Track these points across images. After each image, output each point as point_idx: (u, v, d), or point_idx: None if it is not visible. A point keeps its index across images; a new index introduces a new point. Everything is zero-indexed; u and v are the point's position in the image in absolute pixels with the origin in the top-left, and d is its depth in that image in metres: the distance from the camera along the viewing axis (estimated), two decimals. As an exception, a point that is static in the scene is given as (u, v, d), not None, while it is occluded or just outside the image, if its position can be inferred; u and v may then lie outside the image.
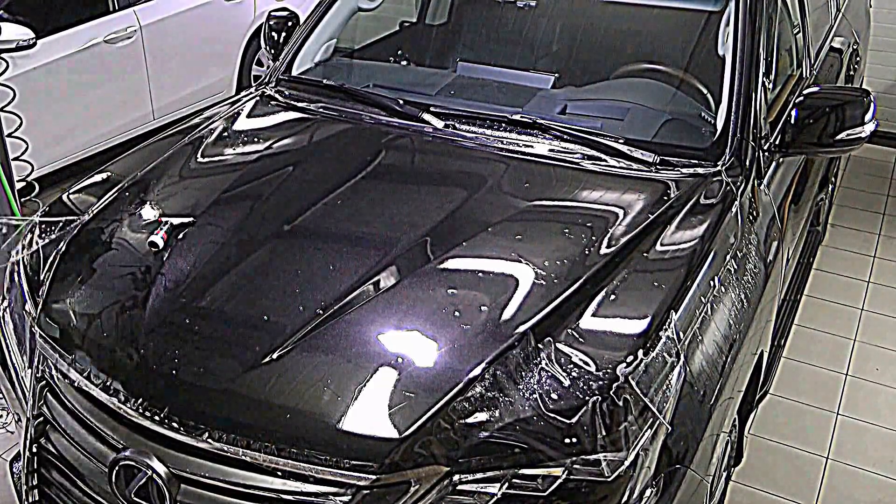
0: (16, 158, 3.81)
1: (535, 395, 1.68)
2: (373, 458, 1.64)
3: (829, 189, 4.36)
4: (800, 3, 3.14)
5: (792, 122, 2.55)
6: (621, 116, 2.63)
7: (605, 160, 2.38)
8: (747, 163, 2.41)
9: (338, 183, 2.31)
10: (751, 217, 2.35)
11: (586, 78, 2.90)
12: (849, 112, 2.50)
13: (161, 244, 2.11)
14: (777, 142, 2.58)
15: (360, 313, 1.85)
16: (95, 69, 4.83)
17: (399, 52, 3.38)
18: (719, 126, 2.46)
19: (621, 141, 2.41)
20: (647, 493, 1.72)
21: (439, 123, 2.56)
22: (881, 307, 3.95)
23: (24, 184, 4.05)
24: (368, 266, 1.98)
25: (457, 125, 2.55)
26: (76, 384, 1.90)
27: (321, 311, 1.85)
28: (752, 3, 2.62)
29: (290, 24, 3.30)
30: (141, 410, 1.77)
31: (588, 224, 2.14)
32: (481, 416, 1.67)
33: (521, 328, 1.80)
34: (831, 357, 3.59)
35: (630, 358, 1.75)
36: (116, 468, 1.78)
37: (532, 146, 2.44)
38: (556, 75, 2.91)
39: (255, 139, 2.61)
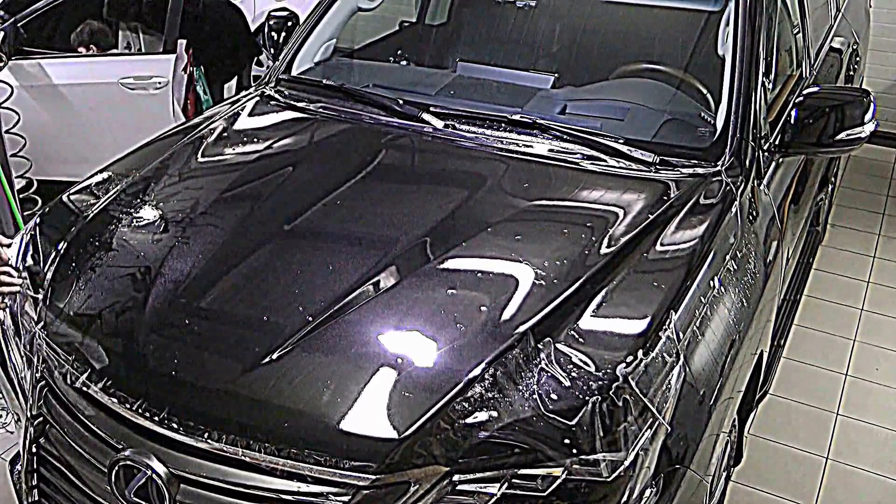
0: (14, 155, 3.81)
1: (534, 396, 1.68)
2: (372, 459, 1.63)
3: (829, 189, 4.36)
4: (800, 3, 3.14)
5: (792, 122, 2.55)
6: (621, 116, 2.63)
7: (605, 160, 2.37)
8: (747, 163, 2.41)
9: (337, 183, 2.31)
10: (750, 217, 2.35)
11: (586, 78, 2.90)
12: (848, 112, 2.50)
13: None
14: (777, 142, 2.58)
15: (359, 313, 1.85)
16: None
17: (399, 52, 3.38)
18: (719, 126, 2.46)
19: (621, 141, 2.41)
20: (647, 493, 1.72)
21: (439, 123, 2.56)
22: (881, 307, 3.95)
23: (23, 181, 4.06)
24: (368, 266, 1.98)
25: (456, 125, 2.54)
26: (76, 384, 1.90)
27: (321, 312, 1.85)
28: (751, 3, 2.62)
29: (289, 23, 3.30)
30: (140, 410, 1.77)
31: (588, 224, 2.14)
32: (481, 417, 1.67)
33: (521, 328, 1.80)
34: (831, 357, 3.59)
35: (630, 358, 1.75)
36: (116, 468, 1.78)
37: (532, 146, 2.44)
38: (556, 75, 2.91)
39: (255, 139, 2.60)
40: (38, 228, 2.36)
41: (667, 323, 1.84)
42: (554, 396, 1.68)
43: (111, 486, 1.79)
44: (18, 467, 2.07)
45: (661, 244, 2.08)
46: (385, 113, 2.64)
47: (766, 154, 2.52)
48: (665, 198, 2.23)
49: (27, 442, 2.01)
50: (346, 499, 1.65)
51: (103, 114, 4.50)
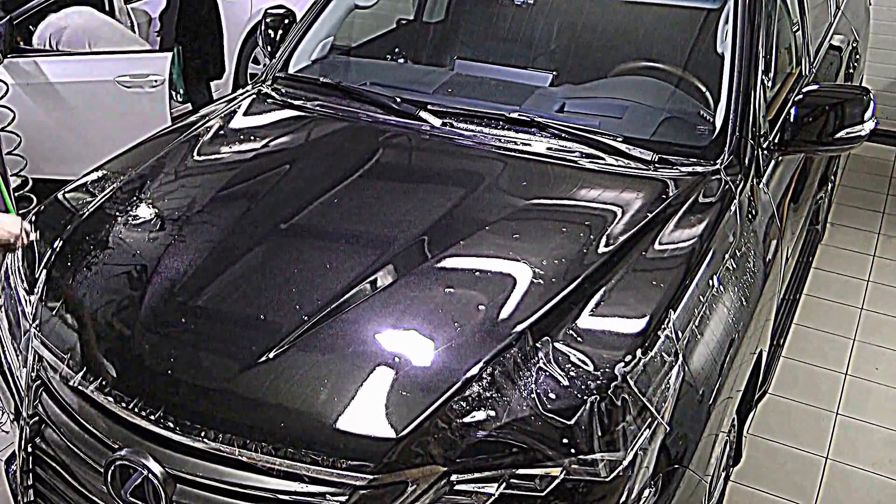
0: (9, 153, 3.81)
1: (532, 395, 1.68)
2: (370, 458, 1.63)
3: (829, 187, 4.35)
4: (799, 0, 3.13)
5: (791, 120, 2.54)
6: (620, 114, 2.62)
7: (604, 158, 2.36)
8: (746, 161, 2.40)
9: (335, 181, 2.30)
10: (750, 216, 2.34)
11: (584, 76, 2.89)
12: (848, 110, 2.49)
13: None
14: (776, 140, 2.57)
15: (356, 312, 1.84)
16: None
17: (396, 49, 3.37)
18: (718, 124, 2.45)
19: (620, 139, 2.40)
20: (646, 493, 1.71)
21: (437, 121, 2.55)
22: (881, 306, 3.95)
23: (18, 180, 4.05)
24: (365, 265, 1.97)
25: (454, 123, 2.54)
26: (71, 383, 1.89)
27: (318, 310, 1.84)
28: (751, 0, 2.61)
29: (286, 21, 3.29)
30: (136, 410, 1.76)
31: (586, 223, 2.13)
32: (479, 416, 1.66)
33: (519, 327, 1.79)
34: (831, 356, 3.58)
35: (628, 357, 1.74)
36: (112, 468, 1.77)
37: (530, 144, 2.43)
38: (554, 73, 2.90)
39: (252, 137, 2.59)
40: (33, 226, 2.35)
41: (665, 322, 1.84)
42: (552, 396, 1.68)
43: (107, 485, 1.78)
44: (14, 467, 2.07)
45: (660, 243, 2.07)
46: (382, 111, 2.63)
47: (765, 152, 2.51)
48: (664, 196, 2.22)
49: (23, 441, 2.00)
50: (343, 499, 1.64)
51: (99, 112, 4.48)
